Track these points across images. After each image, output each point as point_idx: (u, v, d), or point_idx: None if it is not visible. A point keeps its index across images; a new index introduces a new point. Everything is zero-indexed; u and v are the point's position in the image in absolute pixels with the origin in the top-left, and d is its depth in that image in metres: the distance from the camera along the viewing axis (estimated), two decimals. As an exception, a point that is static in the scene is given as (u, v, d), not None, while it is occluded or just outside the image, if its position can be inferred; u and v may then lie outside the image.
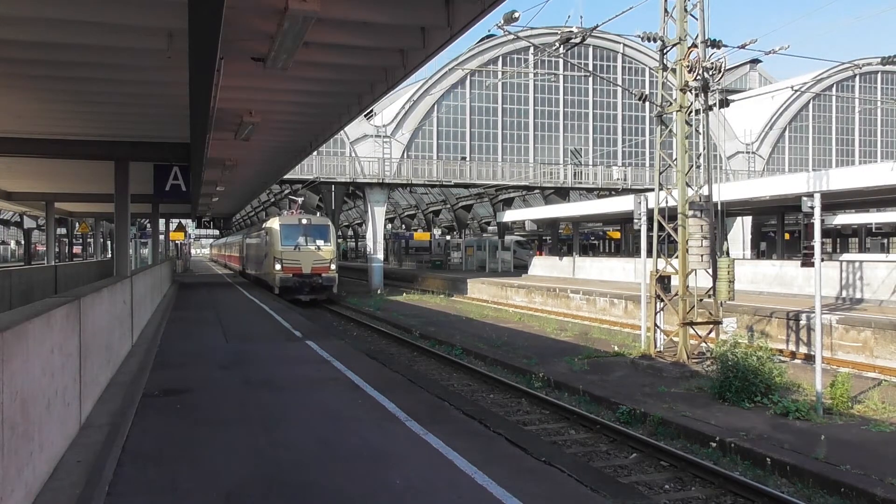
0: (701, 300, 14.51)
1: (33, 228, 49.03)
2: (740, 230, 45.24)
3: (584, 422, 10.54)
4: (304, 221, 30.45)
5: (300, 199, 35.78)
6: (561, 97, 54.30)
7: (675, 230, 14.35)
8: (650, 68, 50.03)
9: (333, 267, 29.96)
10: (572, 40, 15.22)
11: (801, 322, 16.31)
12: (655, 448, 9.06)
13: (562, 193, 47.78)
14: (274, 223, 31.04)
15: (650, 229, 16.00)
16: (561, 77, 52.07)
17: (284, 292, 29.05)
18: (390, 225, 69.47)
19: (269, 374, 10.73)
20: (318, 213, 47.24)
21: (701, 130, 14.50)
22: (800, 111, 61.02)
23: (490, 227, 61.83)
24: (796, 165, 59.18)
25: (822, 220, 9.88)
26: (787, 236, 41.40)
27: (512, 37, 34.63)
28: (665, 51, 14.59)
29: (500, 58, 50.14)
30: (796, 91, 56.73)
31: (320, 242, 30.02)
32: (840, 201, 28.34)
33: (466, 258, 51.60)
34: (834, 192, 20.14)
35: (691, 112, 14.27)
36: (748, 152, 58.98)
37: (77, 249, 54.65)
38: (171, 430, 7.49)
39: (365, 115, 37.52)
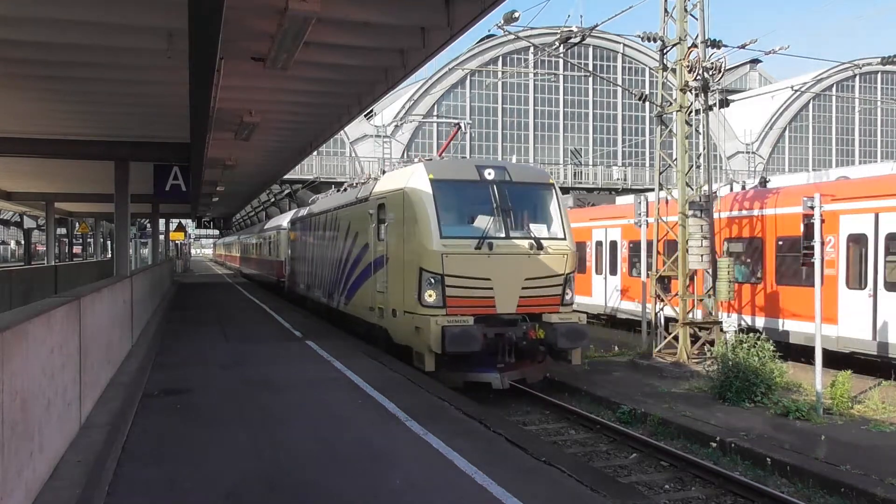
0: (701, 300, 14.51)
1: (33, 228, 49.01)
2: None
3: (585, 422, 10.54)
4: (490, 174, 12.13)
5: (461, 124, 16.95)
6: (561, 97, 54.31)
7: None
8: (650, 68, 50.04)
9: (569, 296, 12.06)
10: (572, 40, 15.21)
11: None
12: (655, 448, 9.06)
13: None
14: (409, 176, 12.45)
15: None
16: (561, 77, 52.07)
17: (448, 365, 11.34)
18: (390, 225, 69.37)
19: (269, 374, 10.72)
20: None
21: (701, 130, 14.50)
22: (800, 111, 61.02)
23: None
24: (796, 165, 59.20)
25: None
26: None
27: (512, 37, 34.63)
28: (665, 51, 14.60)
29: (500, 58, 50.15)
30: (796, 91, 56.73)
31: (538, 229, 12.13)
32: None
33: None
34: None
35: (691, 112, 14.27)
36: (748, 152, 58.95)
37: (77, 249, 54.63)
38: (172, 431, 7.48)
39: (365, 115, 37.46)
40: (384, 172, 14.80)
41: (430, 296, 11.21)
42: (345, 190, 18.76)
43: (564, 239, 12.12)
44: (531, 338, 11.41)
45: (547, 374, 12.61)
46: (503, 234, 11.68)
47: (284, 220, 29.37)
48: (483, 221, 11.74)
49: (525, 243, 11.68)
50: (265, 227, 36.62)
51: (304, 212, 23.60)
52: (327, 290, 18.03)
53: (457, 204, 12.04)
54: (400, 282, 12.05)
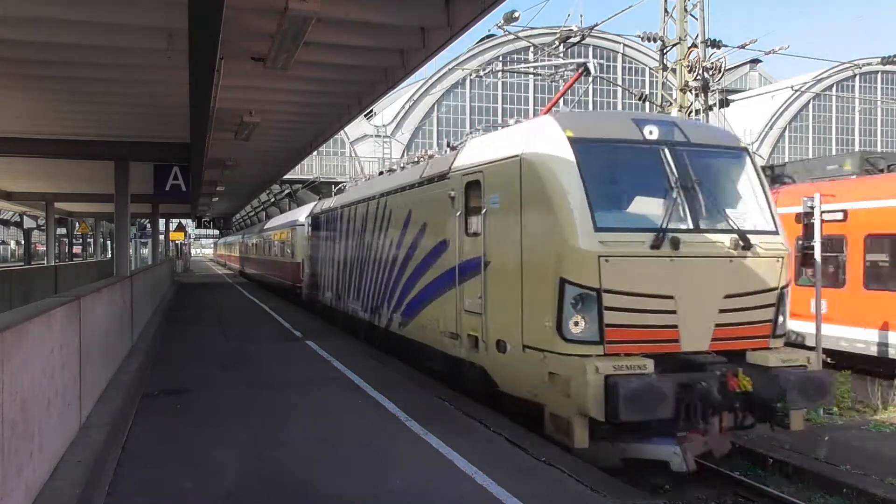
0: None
1: (33, 228, 49.01)
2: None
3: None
4: (652, 133, 7.61)
5: (589, 65, 10.56)
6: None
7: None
8: (650, 68, 50.04)
9: (782, 320, 7.62)
10: (571, 39, 15.22)
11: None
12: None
13: (562, 193, 47.77)
14: (528, 135, 7.92)
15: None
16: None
17: (606, 434, 6.96)
18: (390, 225, 69.32)
19: (268, 374, 10.73)
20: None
21: (701, 130, 14.49)
22: (800, 111, 61.02)
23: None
24: (796, 165, 59.13)
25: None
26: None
27: (512, 37, 34.63)
28: (665, 51, 14.62)
29: (500, 58, 50.09)
30: (796, 91, 56.70)
31: (736, 217, 7.64)
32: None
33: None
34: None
35: (691, 112, 14.28)
36: (748, 152, 58.73)
37: (77, 249, 54.64)
38: (171, 430, 7.48)
39: (365, 115, 37.35)
40: (451, 148, 10.67)
41: (578, 323, 6.95)
42: (390, 171, 14.25)
43: (776, 233, 7.82)
44: (732, 390, 7.04)
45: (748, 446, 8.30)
46: (689, 225, 7.38)
47: (301, 214, 24.72)
48: (656, 205, 7.48)
49: (725, 239, 7.36)
50: (275, 224, 31.84)
51: (330, 202, 18.60)
52: (370, 303, 13.52)
53: (613, 177, 7.78)
54: (514, 298, 7.75)
